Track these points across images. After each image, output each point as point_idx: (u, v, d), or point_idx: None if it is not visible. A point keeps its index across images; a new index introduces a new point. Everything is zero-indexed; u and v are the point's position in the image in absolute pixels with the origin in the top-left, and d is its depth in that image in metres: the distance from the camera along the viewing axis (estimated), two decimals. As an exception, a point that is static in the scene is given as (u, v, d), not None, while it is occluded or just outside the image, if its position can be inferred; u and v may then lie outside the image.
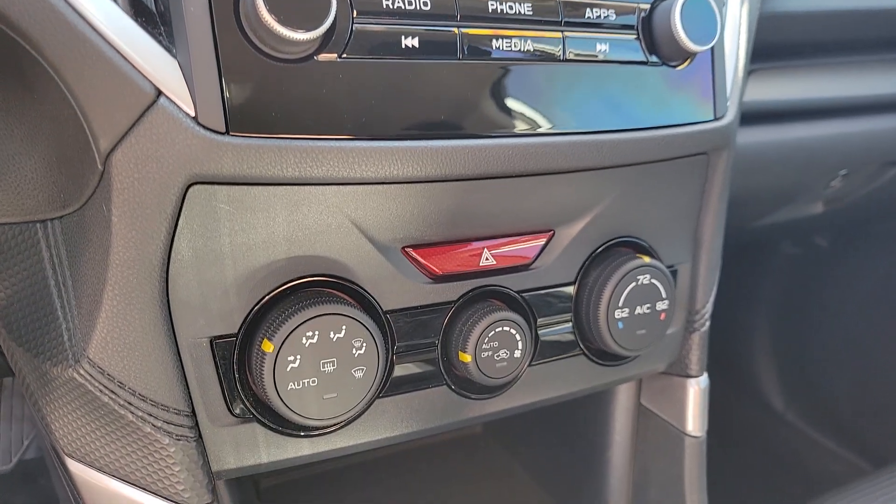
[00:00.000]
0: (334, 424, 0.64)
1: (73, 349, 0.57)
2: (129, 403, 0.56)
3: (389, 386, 0.66)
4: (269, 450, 0.62)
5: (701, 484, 0.91)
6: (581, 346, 0.78)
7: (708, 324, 0.88)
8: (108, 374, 0.55)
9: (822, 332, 1.67)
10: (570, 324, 0.77)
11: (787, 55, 0.99)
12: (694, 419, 0.88)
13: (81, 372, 0.56)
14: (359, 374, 0.61)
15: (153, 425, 0.56)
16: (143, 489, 0.58)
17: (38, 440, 1.09)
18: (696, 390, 0.88)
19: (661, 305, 0.79)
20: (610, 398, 0.96)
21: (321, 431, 0.64)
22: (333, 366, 0.60)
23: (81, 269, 0.56)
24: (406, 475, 1.06)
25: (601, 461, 0.96)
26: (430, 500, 1.00)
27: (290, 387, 0.58)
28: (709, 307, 0.87)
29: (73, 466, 0.59)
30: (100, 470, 0.59)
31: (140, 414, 0.56)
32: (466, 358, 0.68)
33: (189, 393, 0.58)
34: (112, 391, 0.56)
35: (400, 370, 0.67)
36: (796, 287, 1.73)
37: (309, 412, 0.59)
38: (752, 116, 0.95)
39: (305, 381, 0.59)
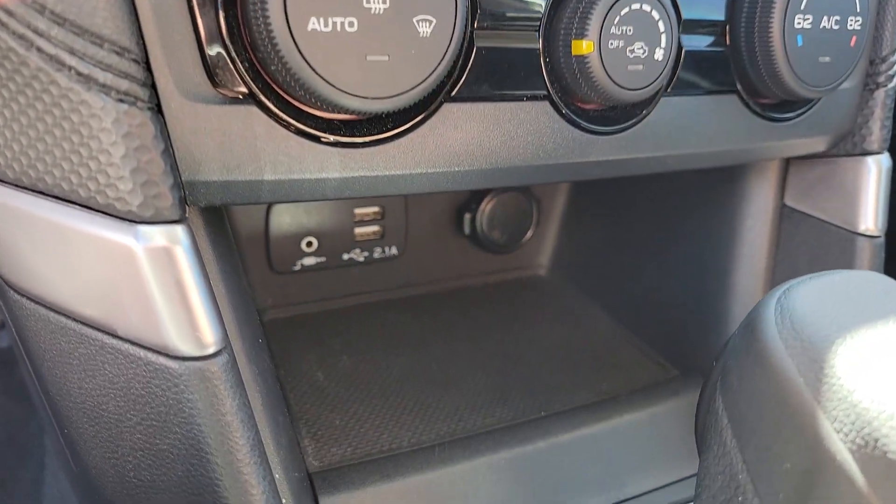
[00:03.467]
0: (381, 122, 0.41)
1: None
2: (33, 31, 0.32)
3: (468, 76, 0.42)
4: (274, 159, 0.38)
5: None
6: (736, 77, 0.54)
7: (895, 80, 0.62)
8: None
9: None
10: (724, 37, 0.52)
11: None
12: (871, 213, 0.63)
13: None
14: (423, 29, 0.37)
15: (76, 73, 0.33)
16: (68, 202, 0.35)
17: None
18: (876, 172, 0.63)
19: (853, 23, 0.54)
20: (740, 201, 0.71)
21: (358, 137, 0.40)
22: (384, 3, 0.35)
23: None
24: (449, 314, 0.84)
25: (725, 288, 0.73)
26: (482, 341, 0.78)
27: (311, 25, 0.34)
28: (903, 52, 0.62)
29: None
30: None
31: (52, 51, 0.33)
32: (586, 47, 0.43)
33: (139, 26, 0.34)
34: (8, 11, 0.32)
35: (483, 54, 0.43)
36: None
37: (342, 76, 0.35)
38: None
39: (337, 19, 0.35)
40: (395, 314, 0.84)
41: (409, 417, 0.66)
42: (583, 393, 0.71)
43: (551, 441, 0.62)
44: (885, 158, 0.64)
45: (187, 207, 0.37)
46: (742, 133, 0.56)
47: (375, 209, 0.83)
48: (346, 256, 0.83)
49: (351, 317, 0.83)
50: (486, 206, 0.86)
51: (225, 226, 0.47)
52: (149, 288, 0.34)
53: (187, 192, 0.37)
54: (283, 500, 0.46)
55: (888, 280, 0.35)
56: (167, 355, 0.35)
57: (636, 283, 0.85)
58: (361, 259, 0.84)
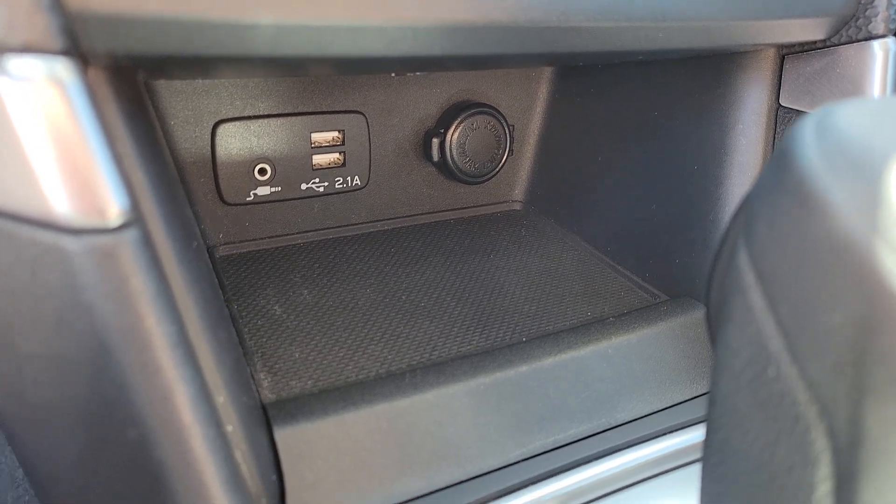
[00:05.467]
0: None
1: None
2: None
3: None
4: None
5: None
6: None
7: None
8: None
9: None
10: None
11: None
12: (877, 103, 0.58)
13: None
14: None
15: None
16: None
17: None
18: (882, 58, 0.57)
19: None
20: (731, 105, 0.65)
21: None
22: None
23: None
24: (419, 247, 0.77)
25: (716, 203, 0.67)
26: (455, 272, 0.71)
27: None
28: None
29: None
30: None
31: None
32: None
33: None
34: None
35: None
36: None
37: None
38: None
39: None
40: (360, 248, 0.77)
41: (376, 348, 0.59)
42: (566, 319, 0.65)
43: (534, 365, 0.56)
44: (892, 42, 0.58)
45: (88, 63, 0.30)
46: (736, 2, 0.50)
47: (335, 134, 0.76)
48: (304, 187, 0.76)
49: (312, 252, 0.76)
50: (455, 131, 0.79)
51: (143, 100, 0.39)
52: (22, 138, 0.27)
53: (78, 31, 0.29)
54: (229, 428, 0.39)
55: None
56: (56, 229, 0.28)
57: (619, 210, 0.79)
58: (321, 190, 0.77)
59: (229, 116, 0.70)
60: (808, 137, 0.26)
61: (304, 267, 0.72)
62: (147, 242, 0.30)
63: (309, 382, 0.54)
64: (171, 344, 0.30)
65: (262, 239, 0.76)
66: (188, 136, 0.69)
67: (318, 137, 0.75)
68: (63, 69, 0.28)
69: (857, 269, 0.23)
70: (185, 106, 0.68)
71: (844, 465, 0.26)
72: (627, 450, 0.54)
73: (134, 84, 0.39)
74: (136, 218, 0.29)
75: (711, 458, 0.32)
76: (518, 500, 0.49)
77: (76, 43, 0.28)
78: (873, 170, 0.24)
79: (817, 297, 0.25)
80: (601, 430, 0.56)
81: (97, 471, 0.33)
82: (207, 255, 0.60)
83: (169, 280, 0.31)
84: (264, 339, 0.59)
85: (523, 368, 0.56)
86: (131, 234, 0.29)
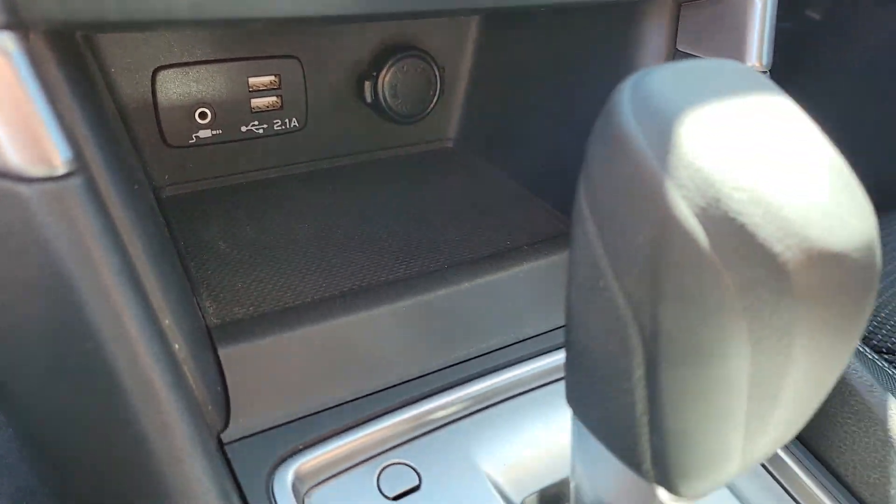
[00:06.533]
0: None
1: None
2: None
3: None
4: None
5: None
6: None
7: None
8: None
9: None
10: None
11: None
12: (757, 49, 0.64)
13: None
14: None
15: None
16: None
17: None
18: (761, 7, 0.64)
19: None
20: (634, 49, 0.72)
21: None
22: None
23: None
24: (355, 185, 0.83)
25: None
26: (389, 209, 0.77)
27: None
28: None
29: None
30: None
31: None
32: None
33: None
34: None
35: None
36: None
37: None
38: None
39: None
40: (300, 186, 0.83)
41: (313, 277, 0.65)
42: (485, 248, 0.72)
43: (452, 289, 0.63)
44: (764, -7, 0.64)
45: (28, 31, 0.34)
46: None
47: (271, 78, 0.80)
48: (243, 129, 0.80)
49: (254, 191, 0.81)
50: (387, 73, 0.84)
51: (82, 57, 0.44)
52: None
53: (19, 5, 0.34)
54: (176, 346, 0.46)
55: (743, 66, 0.36)
56: (12, 178, 0.33)
57: (540, 147, 0.85)
58: (260, 131, 0.81)
59: (168, 63, 0.74)
60: (625, 94, 0.33)
61: (247, 205, 0.78)
62: (91, 187, 0.35)
63: (251, 309, 0.60)
64: (117, 271, 0.36)
65: (206, 179, 0.81)
66: (130, 84, 0.73)
67: (255, 81, 0.79)
68: (8, 41, 0.32)
69: (653, 201, 0.30)
70: (124, 55, 0.71)
71: (650, 353, 0.33)
72: (535, 358, 0.63)
73: (73, 43, 0.43)
74: (79, 166, 0.35)
75: (569, 353, 0.40)
76: (437, 402, 0.57)
77: (18, 17, 0.33)
78: (668, 122, 0.31)
79: (628, 224, 0.32)
80: (511, 343, 0.64)
81: (61, 381, 0.39)
82: (152, 196, 0.65)
83: (113, 217, 0.37)
84: (209, 272, 0.65)
85: (442, 292, 0.63)
86: (76, 181, 0.34)
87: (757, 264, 0.29)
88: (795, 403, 0.33)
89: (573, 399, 0.42)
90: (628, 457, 0.39)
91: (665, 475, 0.38)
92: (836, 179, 0.30)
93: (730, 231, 0.29)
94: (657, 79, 0.34)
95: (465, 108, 0.95)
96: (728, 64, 0.36)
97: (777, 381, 0.32)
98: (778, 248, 0.28)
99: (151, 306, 0.40)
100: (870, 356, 0.76)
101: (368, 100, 0.84)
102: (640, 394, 0.36)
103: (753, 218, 0.28)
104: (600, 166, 0.34)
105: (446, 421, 0.57)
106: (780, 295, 0.29)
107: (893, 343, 0.77)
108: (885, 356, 0.76)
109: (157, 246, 0.47)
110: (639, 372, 0.35)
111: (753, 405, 0.33)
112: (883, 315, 0.80)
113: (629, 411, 0.37)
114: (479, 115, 0.94)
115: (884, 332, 0.80)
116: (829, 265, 0.29)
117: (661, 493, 0.40)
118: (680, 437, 0.36)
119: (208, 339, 0.53)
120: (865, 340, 0.78)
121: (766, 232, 0.28)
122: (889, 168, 1.33)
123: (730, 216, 0.29)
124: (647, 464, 0.39)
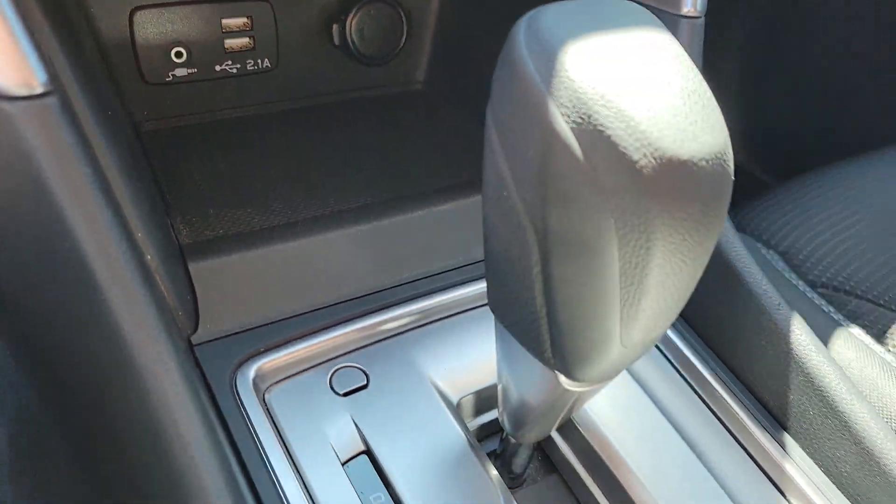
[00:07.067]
0: None
1: None
2: None
3: None
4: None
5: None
6: None
7: None
8: None
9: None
10: None
11: None
12: (691, -6, 0.69)
13: None
14: None
15: None
16: None
17: None
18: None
19: None
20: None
21: None
22: None
23: None
24: (326, 124, 0.88)
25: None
26: (358, 147, 0.83)
27: None
28: None
29: None
30: None
31: None
32: None
33: None
34: None
35: None
36: None
37: None
38: None
39: None
40: (272, 125, 0.88)
41: (279, 206, 0.71)
42: (441, 181, 0.78)
43: (407, 216, 0.69)
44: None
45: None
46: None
47: (244, 20, 0.84)
48: (218, 68, 0.85)
49: (229, 128, 0.86)
50: (354, 17, 0.88)
51: (62, 1, 0.49)
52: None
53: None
54: (148, 257, 0.52)
55: (631, 3, 0.41)
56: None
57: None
58: (234, 71, 0.86)
59: (144, 4, 0.78)
60: (522, 26, 0.38)
61: (222, 141, 0.83)
62: (65, 106, 0.41)
63: (220, 231, 0.66)
64: (90, 181, 0.42)
65: (183, 116, 0.86)
66: (109, 23, 0.77)
67: (229, 23, 0.84)
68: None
69: (540, 118, 0.36)
70: (102, -6, 0.76)
71: (543, 250, 0.40)
72: (479, 280, 0.69)
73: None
74: (55, 88, 0.40)
75: (487, 261, 0.46)
76: (387, 315, 0.64)
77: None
78: (553, 51, 0.36)
79: (521, 139, 0.38)
80: (460, 265, 0.70)
81: (46, 278, 0.45)
82: (130, 127, 0.70)
83: (86, 133, 0.42)
84: (184, 200, 0.71)
85: (399, 219, 0.69)
86: (52, 100, 0.40)
87: (621, 170, 0.35)
88: (660, 293, 0.39)
89: (492, 302, 0.48)
90: (535, 348, 0.46)
91: (563, 362, 0.45)
92: (695, 102, 0.36)
93: (599, 142, 0.35)
94: (549, 14, 0.39)
95: (432, 52, 0.99)
96: (618, 2, 0.41)
97: (641, 272, 0.38)
98: (636, 156, 0.34)
99: (123, 216, 0.46)
100: (801, 288, 0.83)
101: (337, 42, 0.89)
102: (538, 288, 0.42)
103: (617, 131, 0.34)
104: (501, 89, 0.40)
105: (395, 332, 0.63)
106: (638, 196, 0.35)
107: (829, 279, 0.83)
108: (820, 290, 0.82)
109: (131, 167, 0.53)
110: (536, 269, 0.41)
111: (625, 294, 0.39)
112: (837, 253, 0.84)
113: (531, 307, 0.43)
114: (446, 59, 0.99)
115: (822, 266, 0.85)
116: (679, 172, 0.35)
117: (564, 380, 0.47)
118: (570, 325, 0.42)
119: (180, 255, 0.60)
120: (802, 274, 0.84)
121: (627, 142, 0.34)
122: (873, 112, 1.38)
123: (598, 129, 0.34)
124: (549, 352, 0.45)
